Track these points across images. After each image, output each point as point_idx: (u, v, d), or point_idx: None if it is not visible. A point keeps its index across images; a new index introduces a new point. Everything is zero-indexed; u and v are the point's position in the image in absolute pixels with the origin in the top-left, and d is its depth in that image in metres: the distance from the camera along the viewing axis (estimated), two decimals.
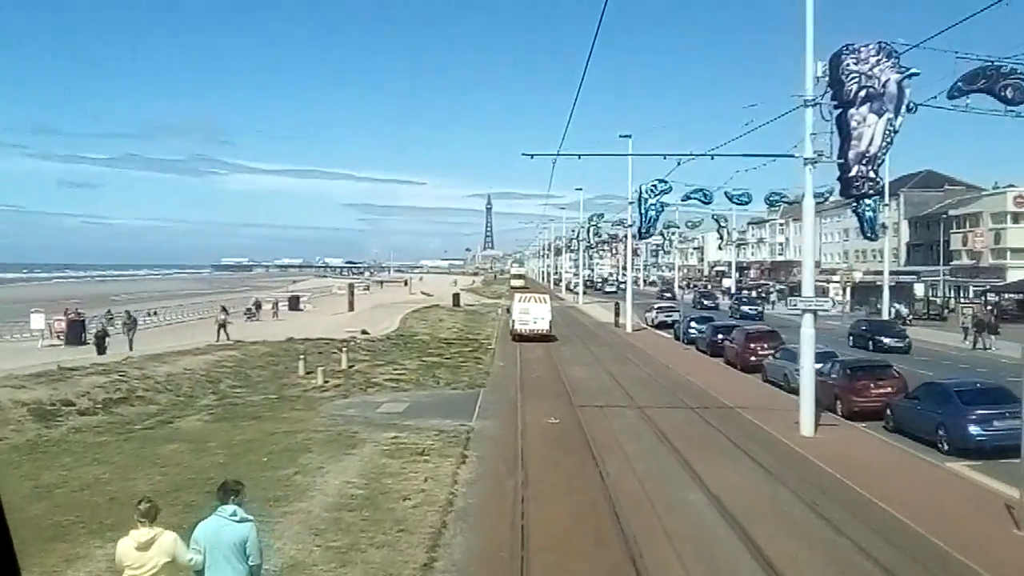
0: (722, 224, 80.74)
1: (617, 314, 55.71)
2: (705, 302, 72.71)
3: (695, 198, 36.02)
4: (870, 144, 20.05)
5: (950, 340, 43.96)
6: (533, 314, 43.48)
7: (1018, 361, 13.69)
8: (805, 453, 18.07)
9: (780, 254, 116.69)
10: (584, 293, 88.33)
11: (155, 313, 63.13)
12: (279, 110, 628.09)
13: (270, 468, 15.58)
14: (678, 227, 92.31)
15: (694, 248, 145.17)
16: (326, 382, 26.34)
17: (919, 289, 71.85)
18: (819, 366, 22.12)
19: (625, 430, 20.69)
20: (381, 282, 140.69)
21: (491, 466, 16.64)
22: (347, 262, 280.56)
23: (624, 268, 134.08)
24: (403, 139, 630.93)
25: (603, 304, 75.26)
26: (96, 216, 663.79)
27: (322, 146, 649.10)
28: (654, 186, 36.81)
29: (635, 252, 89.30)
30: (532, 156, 22.39)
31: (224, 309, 46.34)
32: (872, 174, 20.21)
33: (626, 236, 63.48)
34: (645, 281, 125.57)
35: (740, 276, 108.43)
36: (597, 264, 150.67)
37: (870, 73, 19.62)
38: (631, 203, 48.79)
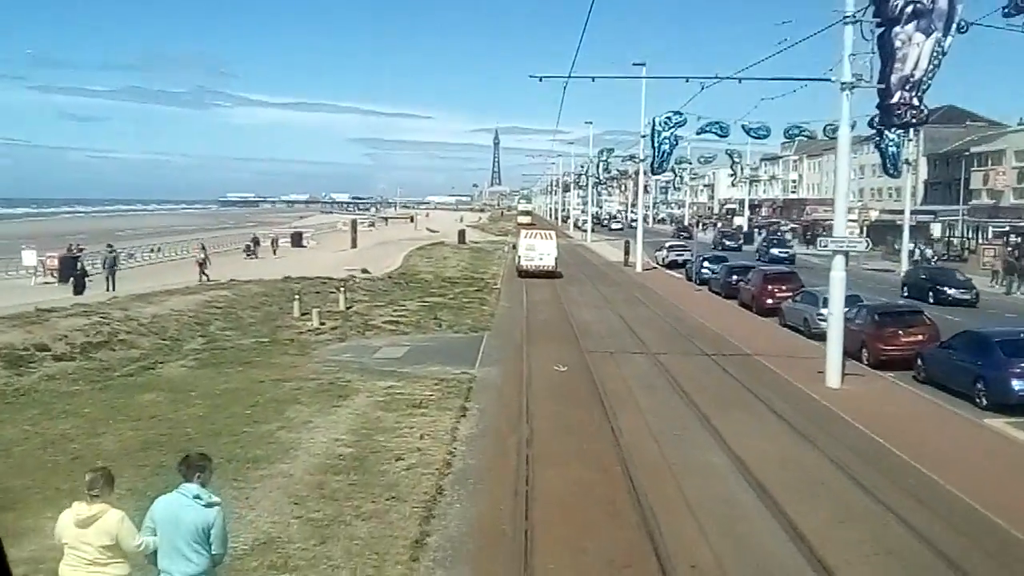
0: (736, 160, 78.61)
1: (627, 253, 54.15)
2: (727, 243, 67.21)
3: (711, 131, 34.04)
4: (915, 67, 18.17)
5: (977, 284, 42.25)
6: (539, 250, 43.02)
7: None
8: (832, 407, 16.73)
9: (793, 191, 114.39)
10: (592, 231, 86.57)
11: (158, 249, 62.02)
12: (283, 42, 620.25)
13: (252, 422, 14.31)
14: (690, 162, 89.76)
15: (704, 185, 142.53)
16: (322, 324, 25.02)
17: (936, 229, 69.95)
18: (843, 311, 20.64)
19: (637, 379, 19.36)
20: (386, 218, 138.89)
21: (493, 420, 15.34)
22: (353, 197, 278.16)
23: (633, 205, 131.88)
24: (409, 72, 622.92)
25: (611, 242, 73.70)
26: (100, 150, 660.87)
27: (327, 79, 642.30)
28: (668, 118, 34.81)
29: (645, 189, 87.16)
30: (541, 78, 20.62)
31: (203, 247, 43.46)
32: (916, 101, 18.35)
33: (638, 171, 61.52)
34: (654, 219, 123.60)
35: (751, 214, 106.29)
36: (606, 201, 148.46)
37: None
38: (644, 136, 46.91)
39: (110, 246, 39.95)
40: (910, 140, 48.94)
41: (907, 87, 18.39)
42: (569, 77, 21.72)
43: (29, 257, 44.42)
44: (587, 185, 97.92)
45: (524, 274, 42.50)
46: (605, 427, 14.96)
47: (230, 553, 7.22)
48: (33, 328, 19.64)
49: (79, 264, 36.68)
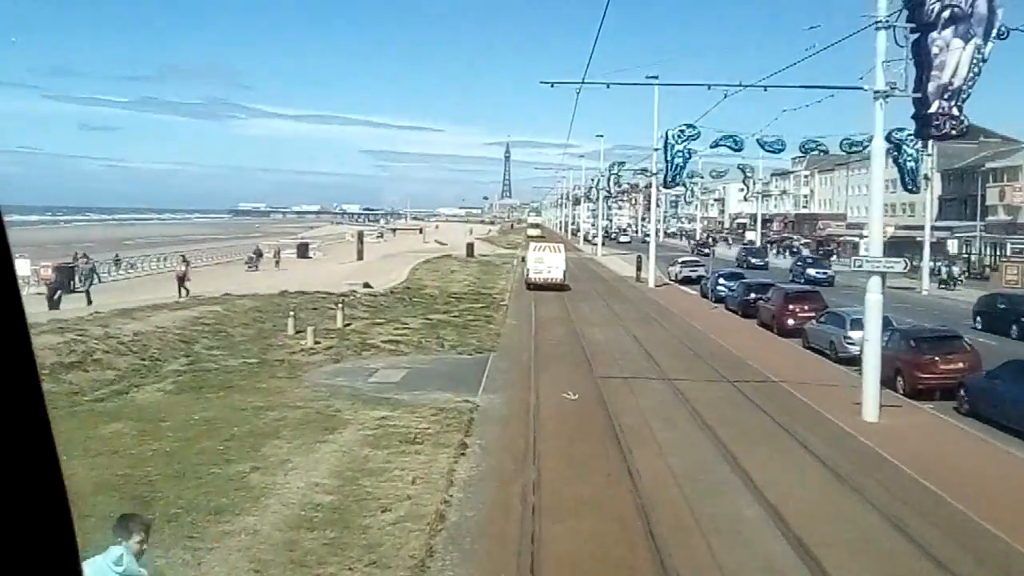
0: (748, 174, 77.01)
1: (639, 268, 52.47)
2: (752, 260, 62.38)
3: (725, 144, 32.66)
4: (954, 75, 16.59)
5: None
6: (547, 263, 43.12)
7: None
8: (874, 446, 15.00)
9: (804, 206, 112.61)
10: (603, 244, 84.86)
11: (165, 259, 60.92)
12: (297, 55, 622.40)
13: (224, 461, 12.70)
14: (702, 176, 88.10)
15: (715, 199, 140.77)
16: (316, 343, 23.44)
17: (952, 245, 68.14)
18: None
19: (655, 410, 17.67)
20: (395, 230, 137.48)
21: (496, 460, 13.70)
22: (364, 209, 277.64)
23: (643, 219, 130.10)
24: (421, 85, 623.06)
25: (622, 256, 72.07)
26: (116, 159, 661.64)
27: (340, 92, 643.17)
28: (681, 131, 33.38)
29: (656, 203, 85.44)
30: (552, 84, 19.07)
31: (184, 259, 41.04)
32: (955, 111, 16.74)
33: (649, 184, 59.92)
34: (665, 233, 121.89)
35: (762, 229, 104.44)
36: (616, 215, 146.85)
37: None
38: (656, 149, 45.43)
39: (85, 257, 38.34)
40: (928, 155, 47.27)
41: (946, 96, 16.80)
42: (583, 83, 20.22)
43: (23, 267, 42.97)
44: (597, 198, 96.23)
45: (533, 287, 42.23)
46: (621, 469, 13.29)
47: None
48: None
49: (55, 276, 35.07)
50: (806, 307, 29.71)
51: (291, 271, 53.31)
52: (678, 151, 34.22)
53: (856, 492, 12.49)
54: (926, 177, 46.59)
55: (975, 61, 16.69)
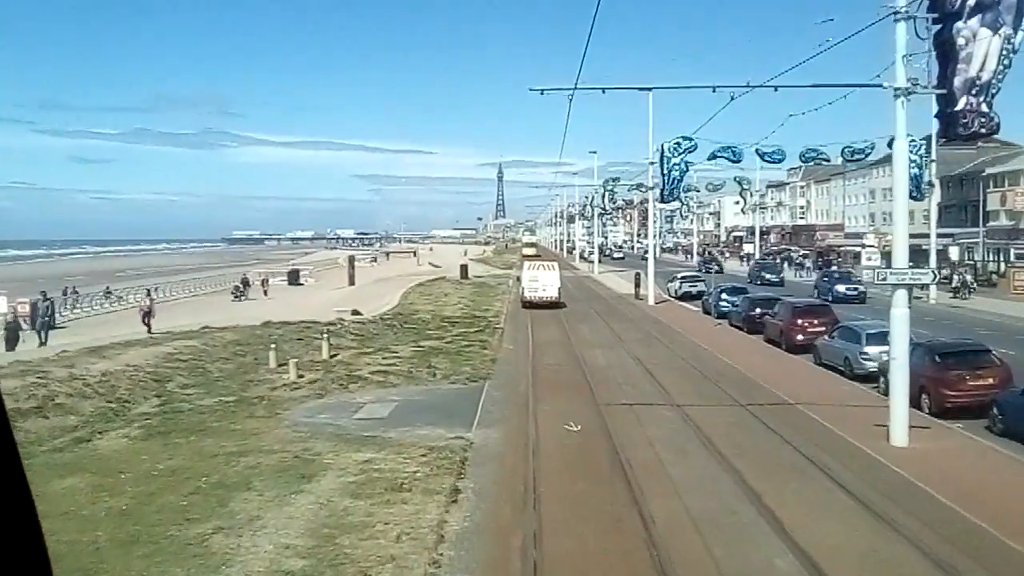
0: (745, 186, 76.03)
1: (637, 285, 51.14)
2: (766, 275, 57.45)
3: (723, 156, 31.49)
4: (982, 68, 15.33)
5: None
6: (542, 281, 43.71)
7: None
8: (908, 475, 13.61)
9: (801, 217, 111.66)
10: (599, 262, 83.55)
11: (156, 289, 59.53)
12: (288, 82, 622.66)
13: (185, 520, 11.25)
14: (698, 190, 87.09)
15: (710, 213, 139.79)
16: (300, 377, 22.00)
17: (954, 252, 66.99)
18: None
19: (665, 440, 16.26)
20: (388, 253, 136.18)
21: (492, 507, 12.26)
22: (358, 233, 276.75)
23: (639, 235, 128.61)
24: (413, 109, 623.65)
25: (620, 273, 70.79)
26: (107, 192, 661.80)
27: (332, 117, 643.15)
28: (678, 143, 32.28)
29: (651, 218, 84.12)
30: (543, 91, 17.78)
31: (149, 293, 38.91)
32: (984, 107, 15.45)
33: (645, 200, 58.72)
34: (661, 248, 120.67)
35: (760, 242, 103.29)
36: (611, 231, 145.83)
37: None
38: (652, 162, 44.29)
39: (43, 294, 36.83)
40: (933, 161, 46.07)
41: (973, 91, 15.53)
42: (575, 89, 18.86)
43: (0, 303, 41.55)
44: (593, 215, 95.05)
45: (528, 305, 42.45)
46: (632, 514, 11.86)
47: None
48: None
49: (12, 314, 33.58)
50: (816, 322, 28.43)
51: (280, 299, 51.89)
52: (675, 164, 33.00)
53: (897, 533, 11.08)
54: (930, 183, 45.46)
55: (1005, 52, 15.45)
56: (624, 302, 48.84)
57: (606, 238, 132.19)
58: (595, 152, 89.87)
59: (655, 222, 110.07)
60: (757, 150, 31.87)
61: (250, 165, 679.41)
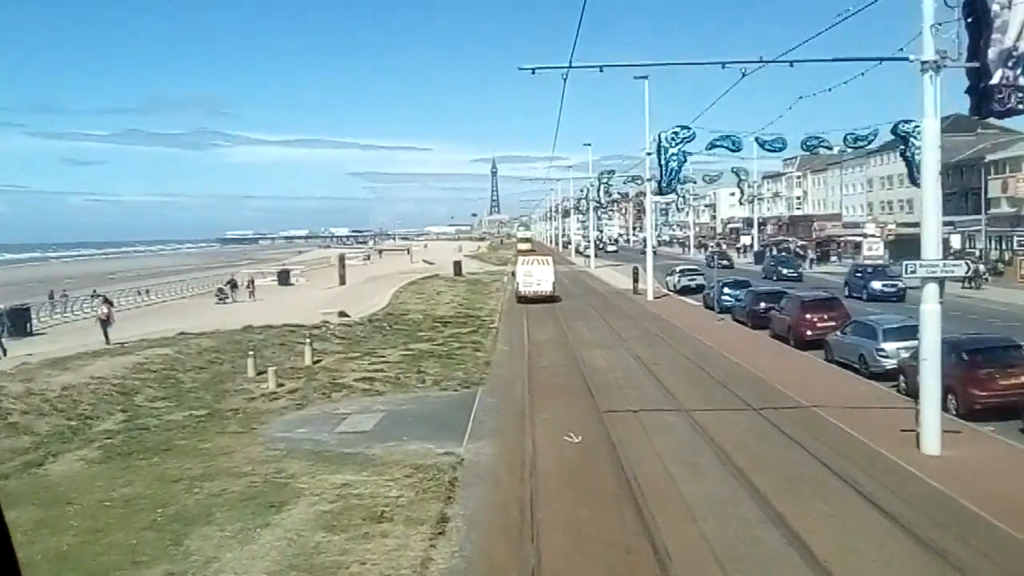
0: (742, 177, 74.60)
1: (635, 280, 49.71)
2: (784, 271, 53.24)
3: (722, 146, 30.08)
4: (1019, 38, 13.91)
5: None
6: (536, 276, 43.92)
7: None
8: (948, 491, 12.20)
9: (798, 208, 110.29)
10: (595, 256, 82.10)
11: (147, 291, 58.18)
12: (281, 81, 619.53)
13: (131, 564, 9.81)
14: (694, 181, 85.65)
15: (705, 205, 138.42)
16: (279, 386, 20.56)
17: (955, 240, 65.73)
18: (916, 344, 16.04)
19: (674, 453, 14.82)
20: (381, 251, 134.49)
21: (484, 539, 10.81)
22: (353, 231, 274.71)
23: (634, 228, 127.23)
24: (407, 105, 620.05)
25: (616, 267, 69.39)
26: (101, 193, 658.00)
27: (326, 116, 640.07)
28: (675, 133, 30.78)
29: (645, 210, 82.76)
30: (533, 70, 16.23)
31: (106, 300, 36.29)
32: (1022, 80, 14.05)
33: (642, 192, 57.24)
34: (658, 240, 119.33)
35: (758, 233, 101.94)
36: (606, 225, 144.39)
37: None
38: (649, 153, 42.81)
39: (4, 307, 35.18)
40: (940, 147, 44.66)
41: (1009, 64, 14.05)
42: (569, 67, 17.34)
43: None
44: (588, 209, 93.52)
45: (523, 299, 42.59)
46: (644, 545, 10.43)
47: None
48: None
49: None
50: (826, 316, 27.02)
51: (267, 301, 50.27)
52: (672, 154, 31.39)
53: (943, 560, 9.69)
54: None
55: None
56: (623, 298, 47.41)
57: (601, 232, 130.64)
58: (589, 144, 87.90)
59: (652, 214, 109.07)
60: (757, 139, 30.46)
61: (244, 165, 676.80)
